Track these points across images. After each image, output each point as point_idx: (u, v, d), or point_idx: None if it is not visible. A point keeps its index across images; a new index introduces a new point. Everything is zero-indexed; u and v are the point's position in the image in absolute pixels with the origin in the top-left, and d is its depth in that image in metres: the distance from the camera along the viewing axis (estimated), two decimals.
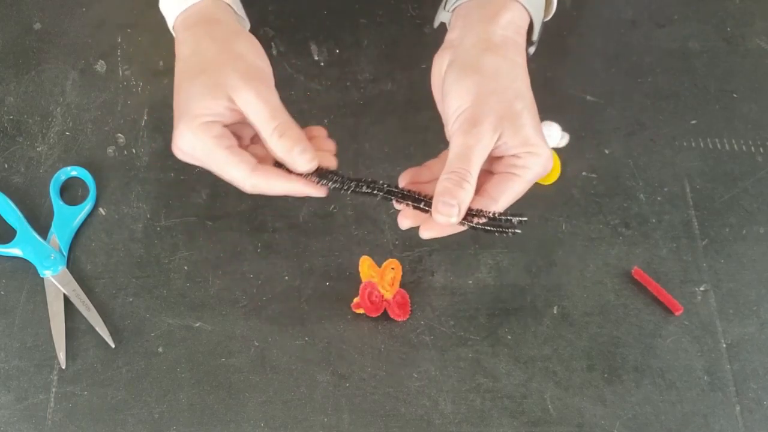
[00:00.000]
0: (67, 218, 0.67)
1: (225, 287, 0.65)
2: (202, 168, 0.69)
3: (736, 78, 0.75)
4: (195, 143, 0.52)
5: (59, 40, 0.77)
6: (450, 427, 0.60)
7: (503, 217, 0.51)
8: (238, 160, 0.51)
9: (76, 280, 0.65)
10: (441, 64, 0.53)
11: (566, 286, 0.65)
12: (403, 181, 0.54)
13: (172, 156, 0.70)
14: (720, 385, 0.61)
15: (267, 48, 0.75)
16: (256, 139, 0.54)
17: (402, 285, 0.64)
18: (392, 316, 0.63)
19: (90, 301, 0.64)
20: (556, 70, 0.76)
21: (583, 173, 0.70)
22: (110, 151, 0.71)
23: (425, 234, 0.52)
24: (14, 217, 0.67)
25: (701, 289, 0.65)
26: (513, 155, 0.50)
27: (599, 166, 0.70)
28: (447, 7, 0.55)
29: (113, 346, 0.62)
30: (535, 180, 0.51)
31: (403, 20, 0.78)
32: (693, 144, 0.72)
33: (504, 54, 0.51)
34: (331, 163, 0.54)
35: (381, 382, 0.61)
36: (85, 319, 0.63)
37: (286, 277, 0.65)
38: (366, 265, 0.63)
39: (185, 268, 0.66)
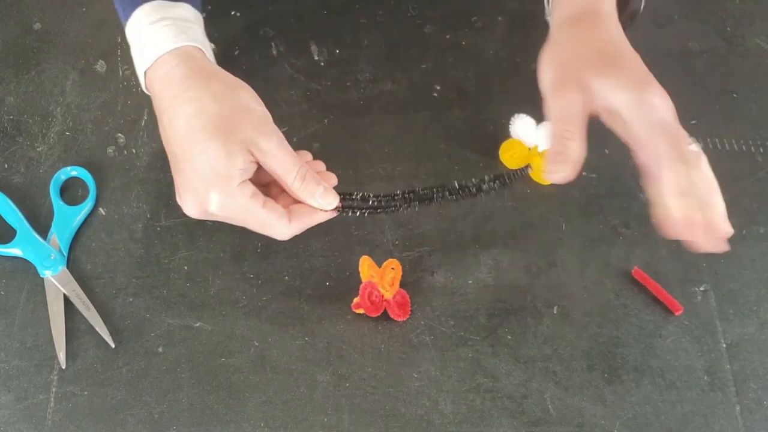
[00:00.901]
0: (67, 218, 0.67)
1: (225, 287, 0.65)
2: None
3: (736, 78, 0.75)
4: (232, 206, 0.53)
5: (59, 40, 0.77)
6: (450, 427, 0.60)
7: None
8: (277, 216, 0.54)
9: (76, 280, 0.65)
10: (548, 58, 0.56)
11: (566, 286, 0.65)
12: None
13: None
14: (720, 385, 0.61)
15: (267, 48, 0.76)
16: (262, 177, 0.56)
17: (402, 285, 0.64)
18: (392, 316, 0.63)
19: (90, 301, 0.64)
20: None
21: (583, 173, 0.70)
22: (110, 151, 0.71)
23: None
24: (14, 217, 0.67)
25: (701, 289, 0.65)
26: (621, 102, 0.52)
27: (599, 166, 0.70)
28: (547, 12, 0.60)
29: (113, 346, 0.62)
30: (669, 119, 0.52)
31: (403, 20, 0.78)
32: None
33: (588, 22, 0.55)
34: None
35: (381, 382, 0.61)
36: (85, 319, 0.63)
37: (286, 277, 0.65)
38: (366, 265, 0.63)
39: (185, 268, 0.66)
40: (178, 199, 0.56)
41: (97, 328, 0.63)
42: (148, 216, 0.68)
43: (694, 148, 0.52)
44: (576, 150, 0.53)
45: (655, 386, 0.61)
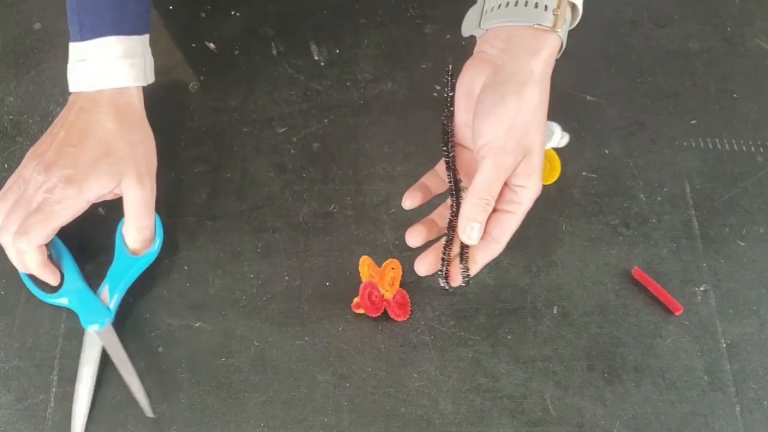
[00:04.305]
0: (126, 269, 0.63)
1: (225, 287, 0.65)
2: (201, 168, 0.70)
3: (736, 78, 0.75)
4: (71, 209, 0.60)
5: (59, 40, 0.77)
6: (450, 427, 0.60)
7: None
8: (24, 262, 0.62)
9: (118, 335, 0.62)
10: (475, 76, 0.56)
11: (566, 286, 0.65)
12: (408, 206, 0.59)
13: (172, 156, 0.70)
14: (720, 385, 0.61)
15: (267, 48, 0.76)
16: None
17: (402, 285, 0.64)
18: (392, 316, 0.63)
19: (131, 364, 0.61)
20: (556, 70, 0.76)
21: (583, 173, 0.70)
22: None
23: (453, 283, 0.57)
24: (66, 261, 0.63)
25: (701, 289, 0.65)
26: (511, 188, 0.54)
27: (599, 166, 0.70)
28: (483, 25, 0.57)
29: (153, 415, 0.60)
30: (525, 213, 0.55)
31: (403, 20, 0.78)
32: (693, 144, 0.72)
33: (541, 89, 0.55)
34: None
35: (381, 382, 0.61)
36: (121, 380, 0.60)
37: (286, 277, 0.65)
38: (366, 265, 0.63)
39: (185, 268, 0.66)
40: None
41: (134, 392, 0.60)
42: None
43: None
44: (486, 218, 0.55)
45: (655, 386, 0.61)
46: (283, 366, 0.62)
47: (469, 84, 0.56)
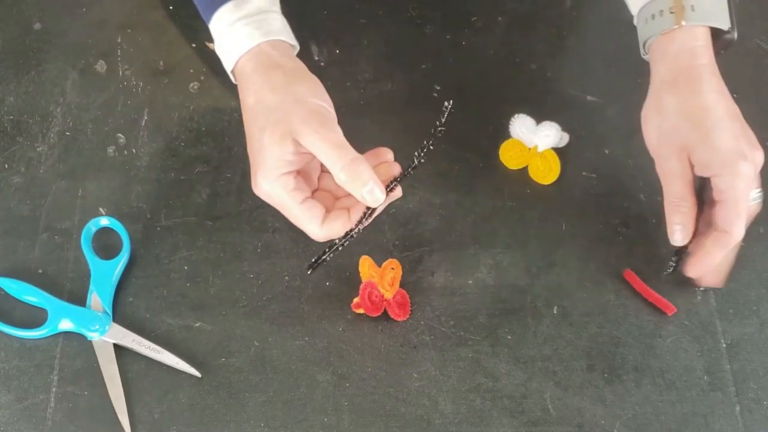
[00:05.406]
0: (106, 274, 0.64)
1: (225, 287, 0.65)
2: (202, 168, 0.70)
3: (736, 78, 0.75)
4: (272, 194, 0.56)
5: (59, 40, 0.77)
6: (450, 427, 0.60)
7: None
8: (310, 216, 0.55)
9: (128, 328, 0.62)
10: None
11: (566, 286, 0.65)
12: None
13: (172, 156, 0.71)
14: (720, 385, 0.61)
15: None
16: (325, 169, 0.57)
17: (402, 285, 0.64)
18: (392, 316, 0.63)
19: (156, 343, 0.62)
20: (556, 70, 0.76)
21: (583, 173, 0.70)
22: (110, 151, 0.71)
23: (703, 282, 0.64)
24: (40, 297, 0.63)
25: (701, 289, 0.65)
26: (715, 175, 0.57)
27: (599, 166, 0.70)
28: (645, 51, 0.64)
29: (199, 375, 0.61)
30: (746, 197, 0.57)
31: (403, 20, 0.78)
32: None
33: (683, 87, 0.59)
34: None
35: (381, 382, 0.61)
36: (156, 362, 0.61)
37: (286, 277, 0.65)
38: (366, 265, 0.63)
39: (185, 268, 0.66)
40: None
41: (178, 367, 0.61)
42: (148, 216, 0.68)
43: (755, 196, 0.59)
44: (688, 212, 0.59)
45: (655, 386, 0.61)
46: (283, 366, 0.62)
47: (650, 137, 0.62)
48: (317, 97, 0.56)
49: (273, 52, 0.59)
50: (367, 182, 0.54)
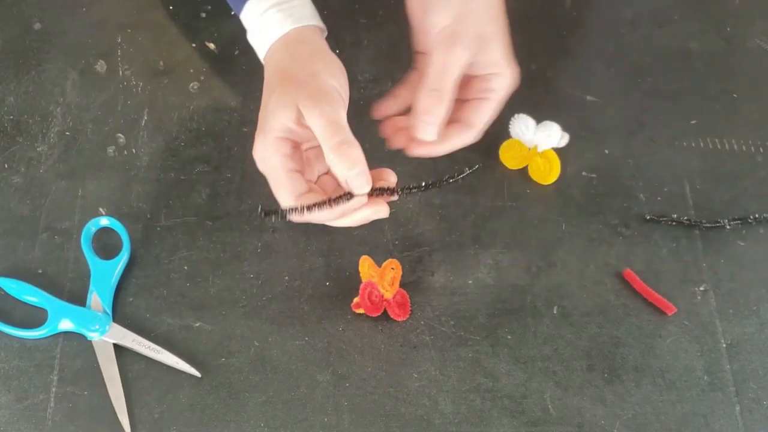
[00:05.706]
0: (106, 274, 0.64)
1: (225, 287, 0.65)
2: (202, 168, 0.70)
3: (736, 78, 0.75)
4: (265, 155, 0.55)
5: (59, 40, 0.77)
6: (450, 427, 0.60)
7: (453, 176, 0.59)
8: (291, 187, 0.54)
9: (128, 328, 0.62)
10: None
11: (566, 286, 0.65)
12: (377, 116, 0.61)
13: (172, 156, 0.71)
14: (720, 385, 0.61)
15: None
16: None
17: (402, 285, 0.64)
18: (392, 316, 0.63)
19: (155, 343, 0.62)
20: (556, 70, 0.76)
21: (583, 173, 0.70)
22: (110, 151, 0.71)
23: (414, 152, 0.59)
24: (39, 296, 0.63)
25: (701, 289, 0.65)
26: (482, 77, 0.56)
27: (599, 166, 0.70)
28: None
29: (199, 375, 0.61)
30: (504, 100, 0.57)
31: (403, 20, 0.78)
32: (693, 144, 0.72)
33: None
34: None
35: (381, 382, 0.61)
36: (157, 363, 0.61)
37: (286, 277, 0.65)
38: (366, 265, 0.63)
39: (185, 268, 0.66)
40: None
41: (178, 367, 0.61)
42: (148, 216, 0.68)
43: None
44: (447, 112, 0.55)
45: (655, 386, 0.61)
46: (283, 366, 0.62)
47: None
48: (332, 77, 0.56)
49: (302, 32, 0.59)
50: (355, 166, 0.52)
